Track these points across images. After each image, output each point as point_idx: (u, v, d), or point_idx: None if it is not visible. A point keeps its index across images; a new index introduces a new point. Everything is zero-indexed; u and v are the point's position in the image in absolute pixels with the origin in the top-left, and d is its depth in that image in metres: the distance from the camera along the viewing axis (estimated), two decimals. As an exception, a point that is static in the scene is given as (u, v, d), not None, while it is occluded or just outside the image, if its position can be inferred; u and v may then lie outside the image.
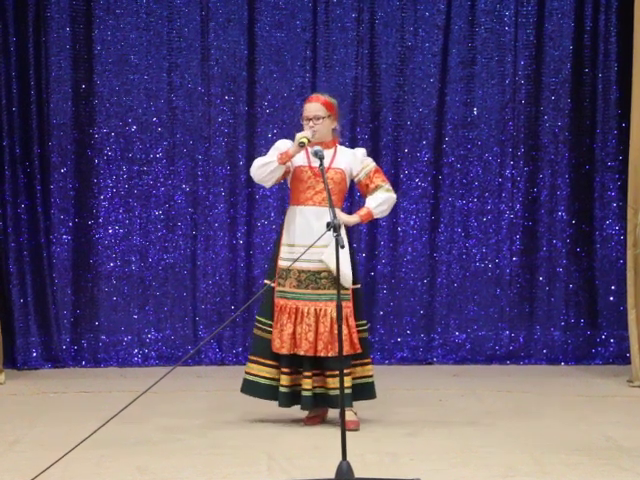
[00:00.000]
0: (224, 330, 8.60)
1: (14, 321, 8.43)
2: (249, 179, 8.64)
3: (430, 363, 8.78)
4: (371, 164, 6.22)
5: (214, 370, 8.45)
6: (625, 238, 8.20)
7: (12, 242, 8.43)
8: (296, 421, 6.15)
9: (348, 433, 4.78)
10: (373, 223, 8.55)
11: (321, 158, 5.77)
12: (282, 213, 8.66)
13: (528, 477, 4.86)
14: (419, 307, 8.83)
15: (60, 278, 8.55)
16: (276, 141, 6.38)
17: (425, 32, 8.73)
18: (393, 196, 6.20)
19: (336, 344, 5.85)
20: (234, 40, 8.64)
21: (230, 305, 8.69)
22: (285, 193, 8.67)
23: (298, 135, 6.01)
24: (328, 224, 5.07)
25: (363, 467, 4.95)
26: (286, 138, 6.59)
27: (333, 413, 6.17)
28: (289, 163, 6.08)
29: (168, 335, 8.66)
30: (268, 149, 8.47)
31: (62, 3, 8.44)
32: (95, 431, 4.66)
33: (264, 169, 6.06)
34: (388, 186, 6.19)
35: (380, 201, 6.13)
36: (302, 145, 5.95)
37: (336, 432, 4.94)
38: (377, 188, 6.15)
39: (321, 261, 5.97)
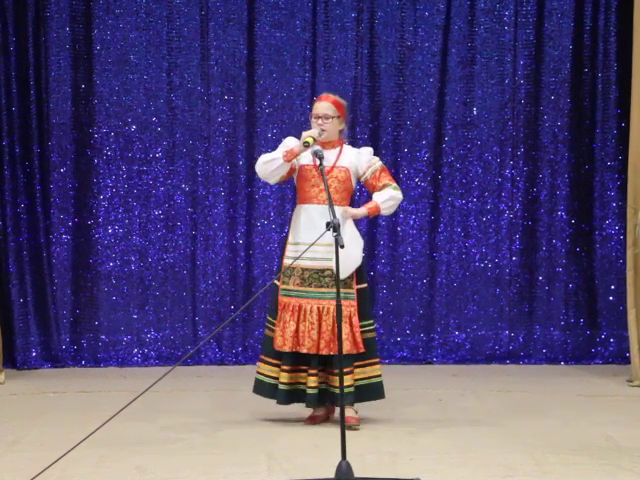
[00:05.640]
0: (224, 330, 8.60)
1: (14, 321, 8.43)
2: (249, 179, 8.67)
3: (430, 363, 8.77)
4: (377, 163, 6.20)
5: (214, 370, 8.44)
6: (625, 238, 8.20)
7: (12, 242, 8.43)
8: (296, 421, 6.15)
9: (348, 433, 4.78)
10: (372, 222, 8.56)
11: (320, 158, 5.77)
12: (282, 213, 8.71)
13: (528, 477, 4.85)
14: (419, 307, 8.83)
15: (60, 278, 8.55)
16: (280, 139, 6.34)
17: (425, 32, 8.73)
18: (400, 195, 6.19)
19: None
20: (234, 40, 8.64)
21: (230, 305, 8.69)
22: (284, 193, 8.68)
23: (304, 134, 6.00)
24: (328, 224, 5.07)
25: (363, 467, 4.95)
26: (285, 138, 6.59)
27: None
28: (295, 161, 6.05)
29: (168, 335, 8.66)
30: (268, 149, 8.56)
31: (62, 3, 8.43)
32: (95, 431, 4.65)
33: (269, 165, 6.03)
34: (395, 185, 6.20)
35: (387, 197, 6.12)
36: (307, 145, 5.92)
37: (336, 432, 4.93)
38: (384, 187, 6.14)
39: (342, 246, 5.92)
